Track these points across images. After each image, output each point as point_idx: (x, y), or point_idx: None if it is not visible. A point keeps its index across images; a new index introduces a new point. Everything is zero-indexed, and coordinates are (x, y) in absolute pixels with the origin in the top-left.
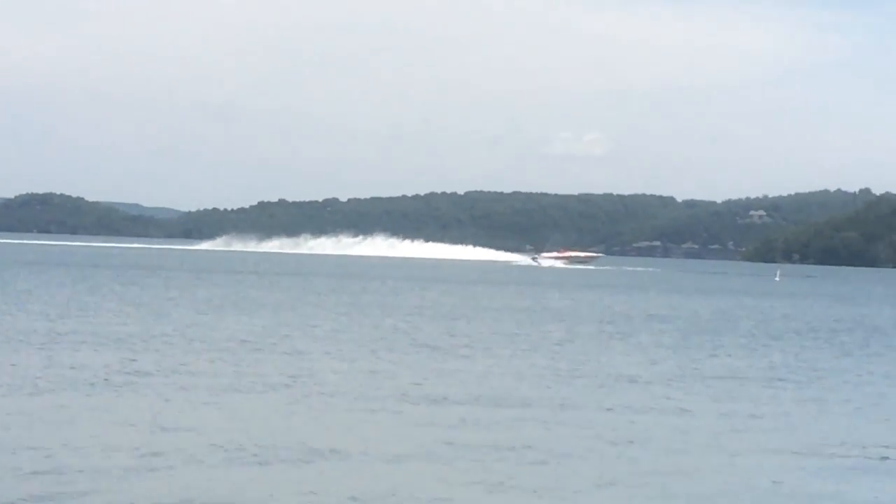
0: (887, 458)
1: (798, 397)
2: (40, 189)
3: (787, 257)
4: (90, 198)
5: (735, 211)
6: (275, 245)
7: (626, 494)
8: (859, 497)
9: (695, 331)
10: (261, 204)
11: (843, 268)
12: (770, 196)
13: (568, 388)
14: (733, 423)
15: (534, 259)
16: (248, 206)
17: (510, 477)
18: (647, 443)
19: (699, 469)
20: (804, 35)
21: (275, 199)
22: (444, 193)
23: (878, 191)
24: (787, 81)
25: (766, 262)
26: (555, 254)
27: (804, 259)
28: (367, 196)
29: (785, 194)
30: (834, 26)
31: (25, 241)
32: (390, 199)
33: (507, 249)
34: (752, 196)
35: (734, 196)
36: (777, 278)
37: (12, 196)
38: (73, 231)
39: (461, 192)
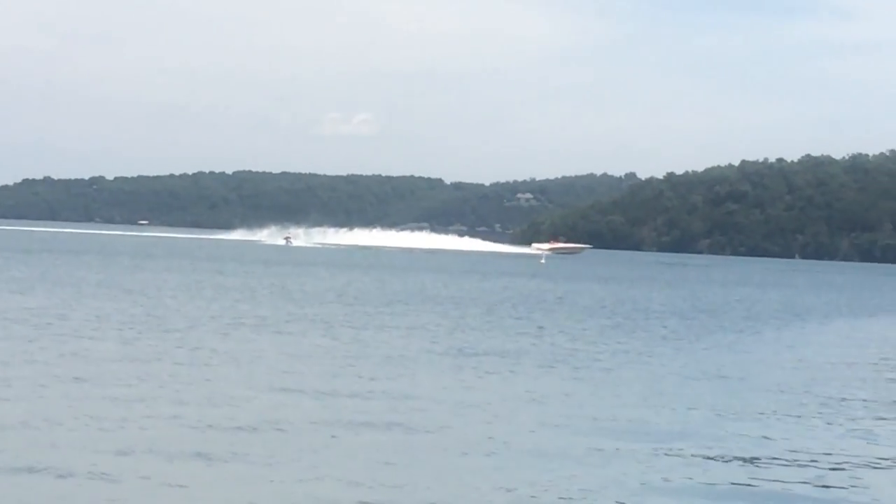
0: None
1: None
2: None
3: (554, 240)
4: None
5: (502, 194)
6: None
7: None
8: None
9: (473, 312)
10: (25, 181)
11: (610, 251)
12: (538, 179)
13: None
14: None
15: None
16: (11, 184)
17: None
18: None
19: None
20: (573, 21)
21: (40, 177)
22: (212, 173)
23: (643, 175)
24: (555, 67)
25: (531, 244)
26: (547, 245)
27: (570, 242)
28: (135, 174)
29: (552, 178)
30: (602, 12)
31: None
32: (158, 177)
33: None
34: (520, 179)
35: (502, 179)
36: (543, 260)
37: None
38: None
39: (229, 171)
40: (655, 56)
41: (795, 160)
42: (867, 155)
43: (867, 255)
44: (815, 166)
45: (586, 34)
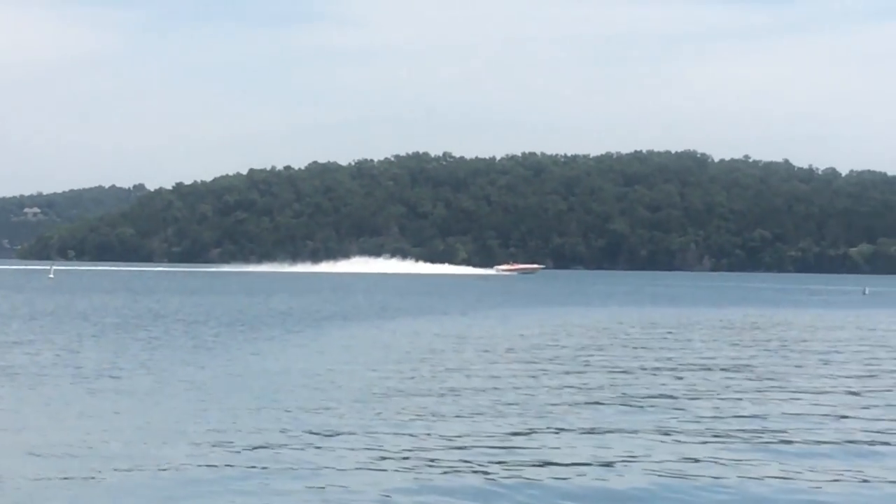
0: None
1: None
2: None
3: (63, 254)
4: None
5: (9, 208)
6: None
7: None
8: None
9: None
10: None
11: (121, 263)
12: (45, 193)
13: None
14: None
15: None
16: None
17: None
18: None
19: None
20: (70, 32)
21: None
22: None
23: (151, 186)
24: (59, 77)
25: (41, 259)
26: (505, 266)
27: (80, 256)
28: None
29: (59, 191)
30: (99, 24)
31: None
32: None
33: None
34: (27, 193)
35: (8, 194)
36: (51, 275)
37: None
38: None
39: None
40: (158, 67)
41: (303, 167)
42: (373, 160)
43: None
44: (323, 172)
45: (82, 45)
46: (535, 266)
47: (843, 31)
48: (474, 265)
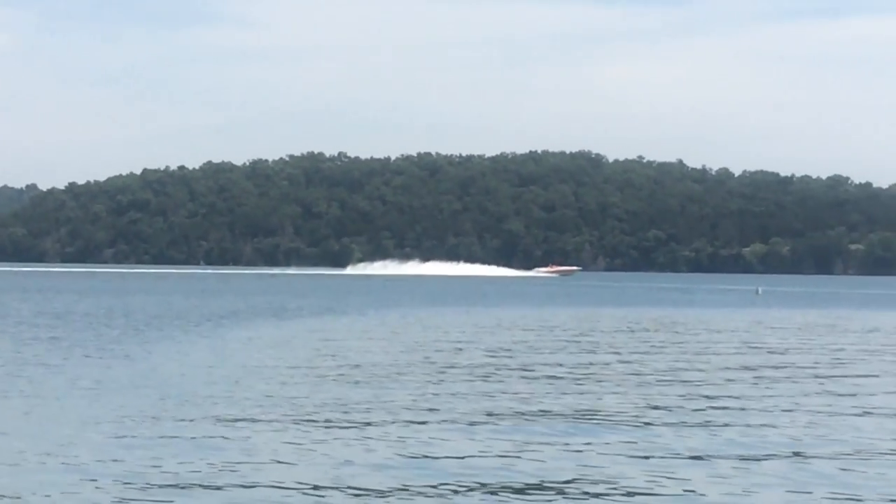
0: None
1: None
2: None
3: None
4: None
5: None
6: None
7: None
8: None
9: None
10: None
11: (12, 264)
12: None
13: None
14: None
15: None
16: None
17: None
18: None
19: None
20: None
21: None
22: None
23: (44, 186)
24: None
25: None
26: (546, 269)
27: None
28: None
29: None
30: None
31: None
32: None
33: None
34: None
35: None
36: None
37: None
38: None
39: None
40: (51, 66)
41: (197, 167)
42: (267, 160)
43: (270, 259)
44: (217, 172)
45: None
46: (574, 268)
47: (732, 32)
48: (510, 266)
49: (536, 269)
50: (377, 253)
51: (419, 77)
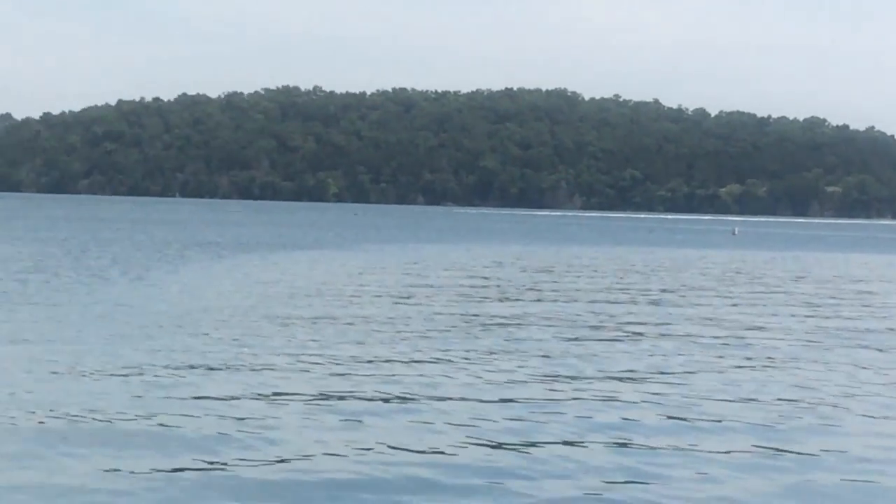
0: None
1: None
2: None
3: None
4: None
5: None
6: None
7: None
8: None
9: None
10: None
11: None
12: None
13: None
14: None
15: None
16: None
17: None
18: None
19: None
20: None
21: None
22: None
23: (18, 116)
24: None
25: None
26: None
27: None
28: None
29: None
30: None
31: None
32: None
33: None
34: None
35: None
36: None
37: None
38: None
39: None
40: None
41: (172, 99)
42: (242, 93)
43: (246, 192)
44: (192, 105)
45: None
46: None
47: None
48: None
49: None
50: (353, 188)
51: (395, 11)
